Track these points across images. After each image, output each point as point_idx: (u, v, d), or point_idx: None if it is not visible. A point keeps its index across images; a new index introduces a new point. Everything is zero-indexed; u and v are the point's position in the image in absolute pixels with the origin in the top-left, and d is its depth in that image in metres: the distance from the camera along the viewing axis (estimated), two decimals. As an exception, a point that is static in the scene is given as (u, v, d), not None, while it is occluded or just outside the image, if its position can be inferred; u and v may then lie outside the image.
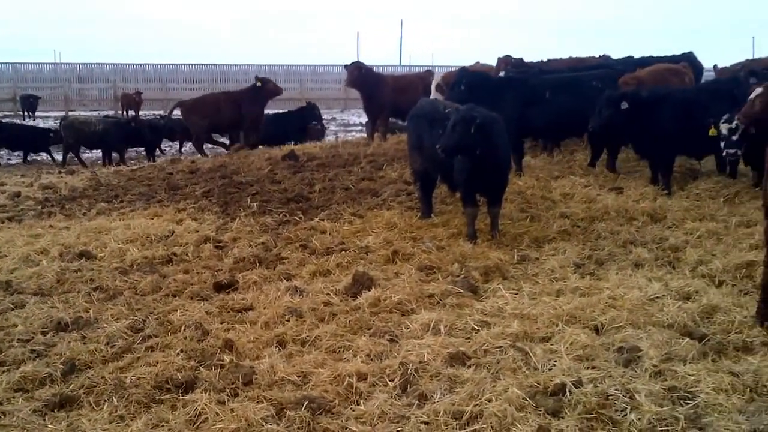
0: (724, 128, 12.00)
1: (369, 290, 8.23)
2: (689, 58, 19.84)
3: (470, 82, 14.87)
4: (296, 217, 11.71)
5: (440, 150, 9.75)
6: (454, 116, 9.75)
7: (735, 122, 11.76)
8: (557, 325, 7.20)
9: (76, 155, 22.85)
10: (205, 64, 53.64)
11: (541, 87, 15.30)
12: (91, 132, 22.26)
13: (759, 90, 11.39)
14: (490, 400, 5.72)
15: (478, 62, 24.27)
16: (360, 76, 19.14)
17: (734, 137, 11.93)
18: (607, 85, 14.46)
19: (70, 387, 6.30)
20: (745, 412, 5.53)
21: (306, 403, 5.78)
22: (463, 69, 15.69)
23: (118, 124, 23.24)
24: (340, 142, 19.65)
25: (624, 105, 12.68)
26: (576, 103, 14.45)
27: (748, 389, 5.88)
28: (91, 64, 53.55)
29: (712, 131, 12.20)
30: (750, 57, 40.98)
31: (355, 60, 21.22)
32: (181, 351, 6.85)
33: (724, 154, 12.22)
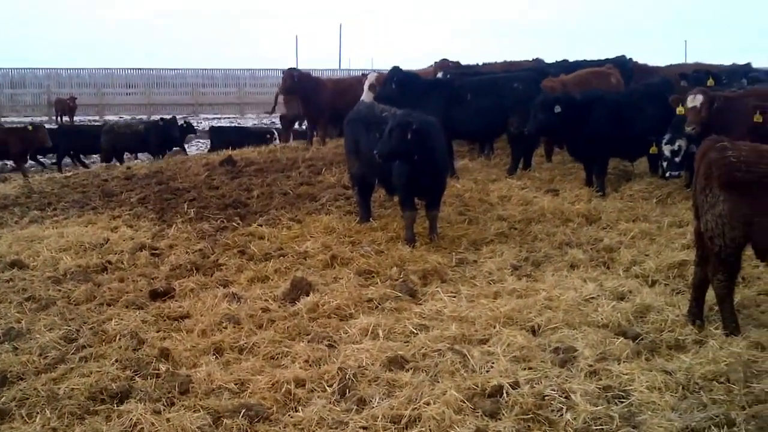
0: (666, 150, 12.21)
1: (307, 296, 8.21)
2: (621, 61, 20.24)
3: (401, 81, 15.03)
4: (234, 223, 11.61)
5: (377, 156, 9.77)
6: (391, 122, 9.79)
7: (677, 144, 12.01)
8: (495, 327, 7.27)
9: (79, 161, 22.88)
10: (141, 69, 52.86)
11: (465, 89, 15.45)
12: (133, 134, 22.20)
13: (700, 96, 11.56)
14: (428, 404, 5.75)
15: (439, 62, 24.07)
16: (296, 83, 19.03)
17: (677, 159, 12.16)
18: (529, 88, 14.61)
19: (2, 400, 6.17)
20: (678, 409, 5.65)
21: (243, 410, 5.74)
22: (395, 68, 15.77)
23: (157, 126, 22.60)
24: (278, 147, 19.52)
25: (557, 109, 12.82)
26: (497, 104, 14.63)
27: (681, 387, 6.01)
28: (24, 68, 52.28)
29: (653, 149, 12.44)
30: (682, 59, 42.02)
31: (291, 66, 21.09)
32: (116, 361, 6.75)
33: (666, 175, 12.43)
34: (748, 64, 22.15)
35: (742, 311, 7.57)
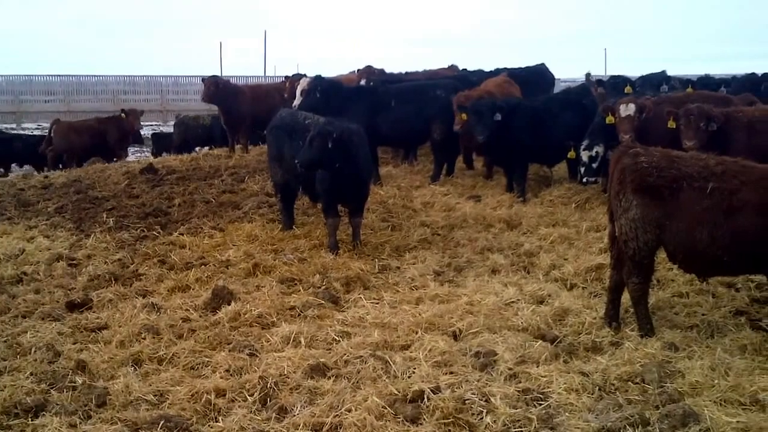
0: (584, 155, 12.40)
1: (229, 304, 8.14)
2: (541, 70, 20.57)
3: (324, 89, 15.08)
4: (154, 232, 11.42)
5: (298, 165, 9.75)
6: (312, 131, 9.76)
7: (595, 150, 12.24)
8: (417, 333, 7.32)
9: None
10: (61, 75, 51.54)
11: (389, 96, 15.56)
12: (201, 127, 22.56)
13: (632, 106, 11.79)
14: (350, 411, 5.76)
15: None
16: (216, 91, 18.84)
17: (594, 165, 12.38)
18: (450, 96, 14.77)
19: None
20: (594, 410, 5.76)
21: (162, 422, 5.66)
22: (318, 76, 15.85)
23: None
24: (201, 155, 19.28)
25: (497, 116, 12.99)
26: (420, 111, 14.75)
27: (597, 388, 6.15)
28: (-62, 76, 50.48)
29: (571, 154, 12.67)
30: (602, 69, 42.95)
31: (212, 74, 20.85)
32: (31, 374, 6.59)
33: (584, 181, 12.65)
34: (664, 72, 22.69)
35: (656, 313, 7.79)
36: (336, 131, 9.72)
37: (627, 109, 11.72)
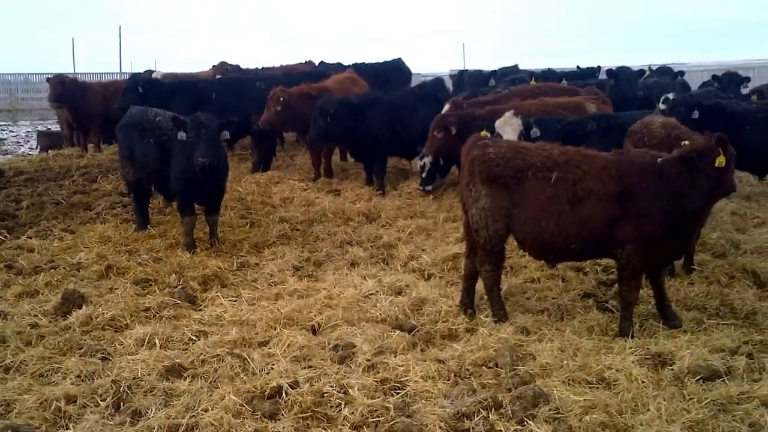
0: (420, 164, 12.86)
1: (80, 308, 7.86)
2: (397, 64, 20.86)
3: (144, 87, 15.34)
4: (0, 237, 10.88)
5: (204, 163, 9.43)
6: (206, 127, 9.54)
7: (423, 160, 12.68)
8: (275, 329, 7.29)
9: None
10: None
11: (209, 89, 15.79)
12: None
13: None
14: (206, 410, 5.67)
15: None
16: (63, 90, 18.14)
17: (424, 174, 12.88)
18: (271, 88, 14.95)
19: None
20: (450, 396, 5.89)
21: (8, 432, 5.41)
22: (135, 75, 15.77)
23: None
24: (51, 155, 18.50)
25: (332, 112, 13.12)
26: (240, 103, 14.83)
27: (453, 374, 6.30)
28: None
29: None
30: (461, 64, 43.96)
31: (58, 73, 20.05)
32: None
33: (421, 189, 12.98)
34: (516, 66, 23.43)
35: (509, 298, 8.04)
36: (224, 122, 9.73)
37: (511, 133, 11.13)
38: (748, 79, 18.67)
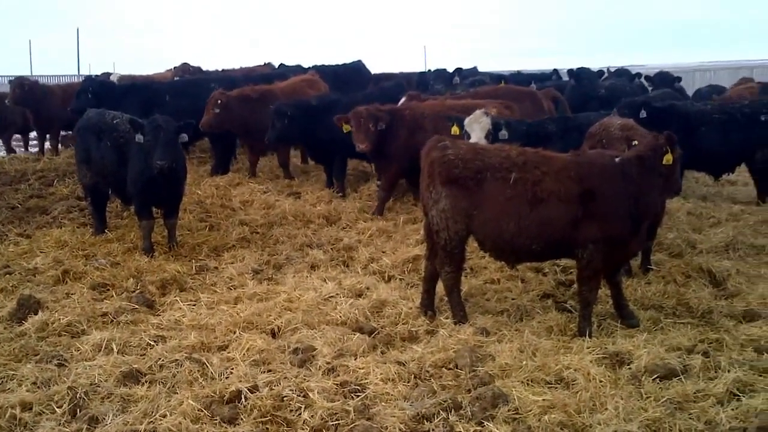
0: None
1: (36, 314, 7.72)
2: (357, 67, 20.85)
3: (96, 90, 15.32)
4: (-47, 242, 10.68)
5: (164, 167, 9.34)
6: (163, 130, 9.46)
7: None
8: (235, 333, 7.23)
9: None
10: None
11: (163, 91, 15.82)
12: None
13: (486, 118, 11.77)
14: (164, 416, 5.61)
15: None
16: (23, 93, 17.92)
17: None
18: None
19: None
20: (410, 398, 5.88)
21: (-40, 442, 5.31)
22: (88, 77, 15.69)
23: None
24: (6, 159, 18.19)
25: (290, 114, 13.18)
26: (194, 105, 14.70)
27: (413, 376, 6.29)
28: None
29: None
30: (422, 65, 44.16)
31: (18, 76, 19.83)
32: None
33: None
34: (475, 68, 23.59)
35: (469, 300, 8.07)
36: (182, 125, 9.68)
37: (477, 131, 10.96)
38: (679, 79, 19.13)
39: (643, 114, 11.39)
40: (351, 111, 11.91)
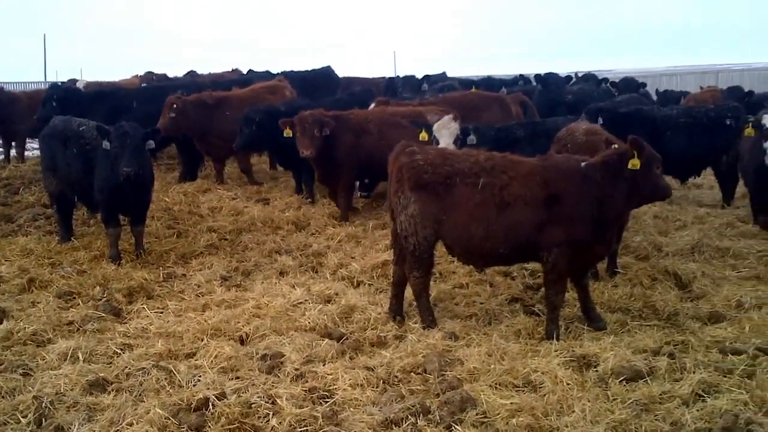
0: None
1: (1, 323, 7.65)
2: (326, 72, 20.86)
3: (61, 98, 15.28)
4: None
5: (130, 174, 9.26)
6: (130, 137, 9.40)
7: None
8: (202, 340, 7.19)
9: None
10: None
11: (130, 97, 15.87)
12: None
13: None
14: (131, 424, 5.57)
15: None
16: None
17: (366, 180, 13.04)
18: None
19: None
20: (378, 403, 5.89)
21: None
22: (54, 85, 15.57)
23: None
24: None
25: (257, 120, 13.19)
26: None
27: (382, 381, 6.29)
28: None
29: None
30: (392, 71, 44.27)
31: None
32: None
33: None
34: (444, 73, 23.69)
35: (438, 304, 8.09)
36: (149, 131, 9.68)
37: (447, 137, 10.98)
38: (644, 85, 19.37)
39: (600, 121, 11.48)
40: (296, 116, 11.87)
